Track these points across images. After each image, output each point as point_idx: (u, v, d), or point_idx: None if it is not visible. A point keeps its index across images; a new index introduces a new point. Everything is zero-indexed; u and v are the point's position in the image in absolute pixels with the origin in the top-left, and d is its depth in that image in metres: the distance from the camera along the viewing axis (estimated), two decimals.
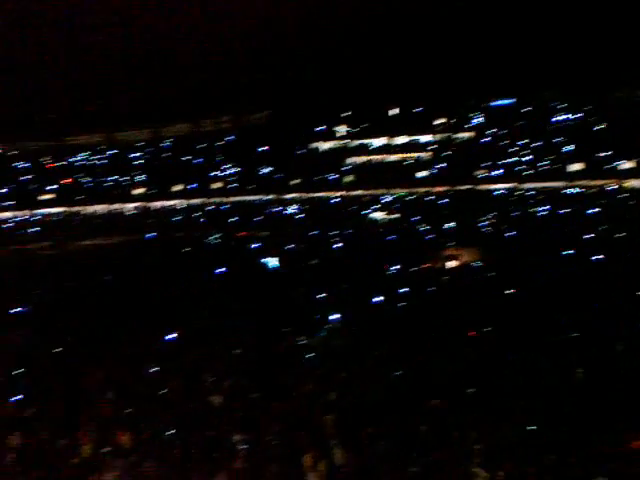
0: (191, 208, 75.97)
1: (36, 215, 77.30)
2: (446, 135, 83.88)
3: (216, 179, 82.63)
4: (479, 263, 32.47)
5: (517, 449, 13.08)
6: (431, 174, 76.23)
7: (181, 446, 13.96)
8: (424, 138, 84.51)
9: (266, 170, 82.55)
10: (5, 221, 74.27)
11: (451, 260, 33.51)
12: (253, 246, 41.50)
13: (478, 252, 33.87)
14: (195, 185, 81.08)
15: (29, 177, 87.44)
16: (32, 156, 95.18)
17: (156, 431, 14.76)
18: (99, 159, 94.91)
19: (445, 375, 17.02)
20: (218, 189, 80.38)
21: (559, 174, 70.78)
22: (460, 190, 70.57)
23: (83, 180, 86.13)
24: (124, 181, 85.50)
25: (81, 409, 15.74)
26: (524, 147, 77.71)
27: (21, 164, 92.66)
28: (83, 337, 21.79)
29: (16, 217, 76.23)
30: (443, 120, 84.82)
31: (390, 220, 54.07)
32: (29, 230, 66.06)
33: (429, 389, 16.09)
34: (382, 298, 24.26)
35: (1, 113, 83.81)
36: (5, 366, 19.24)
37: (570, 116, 79.82)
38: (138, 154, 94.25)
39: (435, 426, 14.13)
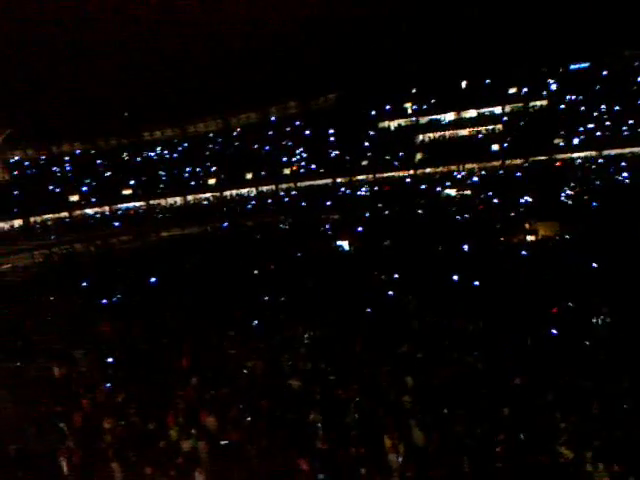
0: (264, 194, 77.26)
1: (117, 209, 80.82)
2: (519, 105, 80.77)
3: (286, 165, 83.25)
4: (560, 237, 31.26)
5: (603, 428, 12.59)
6: (505, 147, 73.51)
7: (264, 429, 14.31)
8: (496, 110, 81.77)
9: (335, 153, 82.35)
10: (89, 217, 78.09)
11: (530, 235, 32.42)
12: (326, 229, 41.63)
13: (559, 226, 32.53)
14: (266, 172, 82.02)
15: (109, 173, 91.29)
16: (111, 153, 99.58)
17: (239, 414, 15.21)
18: (173, 152, 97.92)
19: (527, 354, 16.55)
20: (289, 175, 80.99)
21: None
22: (536, 161, 67.93)
23: (160, 173, 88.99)
24: (198, 172, 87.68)
25: (168, 394, 16.37)
26: (604, 112, 73.59)
27: (101, 161, 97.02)
28: (167, 326, 22.63)
29: (99, 212, 79.97)
30: (515, 89, 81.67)
31: (464, 196, 52.77)
32: (112, 224, 69.15)
33: (510, 368, 15.70)
34: (458, 277, 23.73)
35: (81, 114, 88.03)
36: (96, 355, 20.32)
37: None
38: (210, 145, 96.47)
39: (518, 406, 13.80)
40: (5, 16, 78.65)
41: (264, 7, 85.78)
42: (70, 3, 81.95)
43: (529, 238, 32.09)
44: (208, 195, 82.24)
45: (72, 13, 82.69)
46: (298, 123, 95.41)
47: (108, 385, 17.30)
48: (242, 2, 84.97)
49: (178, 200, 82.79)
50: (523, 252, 28.22)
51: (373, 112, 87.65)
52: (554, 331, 17.34)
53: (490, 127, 79.59)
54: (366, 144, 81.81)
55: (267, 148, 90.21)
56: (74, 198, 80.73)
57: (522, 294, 20.75)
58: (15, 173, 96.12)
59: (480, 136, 78.91)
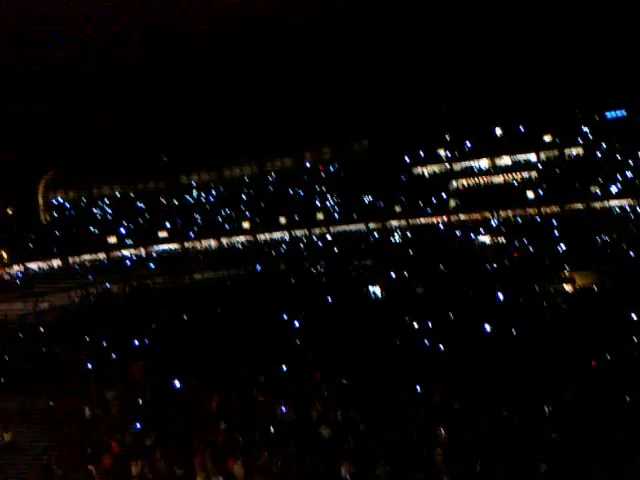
0: (296, 239, 77.80)
1: (153, 251, 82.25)
2: (554, 152, 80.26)
3: (319, 209, 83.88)
4: (597, 287, 30.52)
5: None
6: (540, 194, 72.86)
7: (292, 477, 14.06)
8: (531, 157, 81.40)
9: (369, 198, 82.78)
10: (126, 258, 79.62)
11: (566, 284, 31.73)
12: (358, 275, 41.54)
13: (596, 275, 31.80)
14: (298, 217, 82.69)
15: (147, 215, 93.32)
16: (149, 196, 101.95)
17: (267, 460, 14.98)
18: (209, 196, 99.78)
19: (565, 407, 16.00)
20: (322, 219, 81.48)
21: None
22: (572, 209, 67.01)
23: (195, 216, 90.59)
24: (233, 215, 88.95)
25: (196, 438, 16.26)
26: None
27: (139, 204, 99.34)
28: (198, 368, 22.64)
29: (135, 254, 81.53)
30: (549, 137, 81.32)
31: (498, 244, 52.24)
32: (147, 266, 70.38)
33: (548, 421, 15.18)
34: (492, 327, 23.25)
35: (121, 158, 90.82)
36: (126, 396, 20.39)
37: None
38: (244, 189, 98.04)
39: (554, 462, 13.27)
40: (59, 73, 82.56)
41: (295, 56, 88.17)
42: (120, 51, 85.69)
43: (566, 287, 31.40)
44: (242, 238, 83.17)
45: (115, 63, 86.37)
46: (332, 168, 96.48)
47: (138, 427, 17.27)
48: (272, 53, 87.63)
49: (212, 243, 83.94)
50: (560, 302, 27.62)
51: (406, 158, 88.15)
52: (593, 384, 16.78)
53: (525, 174, 79.09)
54: (399, 190, 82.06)
55: (301, 193, 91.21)
56: (112, 239, 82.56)
57: (560, 345, 20.21)
58: (56, 214, 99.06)
59: (515, 183, 78.43)
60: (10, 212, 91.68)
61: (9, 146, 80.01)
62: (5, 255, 73.50)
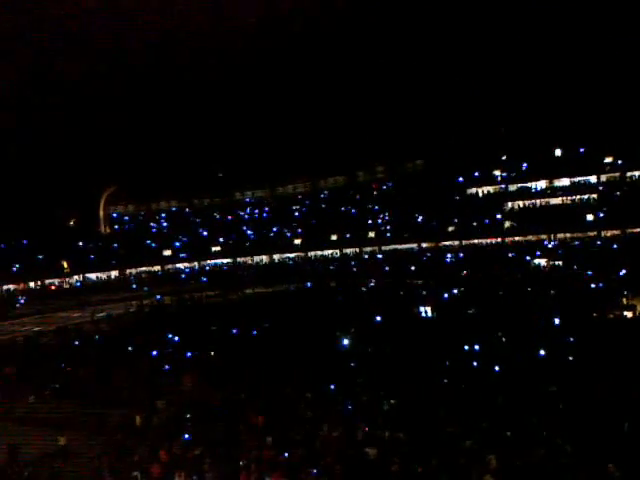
0: (347, 257, 77.79)
1: (206, 265, 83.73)
2: (616, 174, 77.74)
3: (371, 228, 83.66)
4: None
5: None
6: (600, 217, 70.58)
7: None
8: (591, 179, 79.12)
9: (422, 217, 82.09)
10: (180, 271, 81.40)
11: (626, 311, 30.51)
12: (408, 294, 41.08)
13: None
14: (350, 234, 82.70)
15: (201, 230, 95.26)
16: (204, 211, 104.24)
17: (312, 478, 14.85)
18: (262, 212, 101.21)
19: (622, 437, 15.27)
20: (373, 238, 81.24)
21: None
22: (634, 233, 64.56)
23: (248, 232, 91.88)
24: (285, 232, 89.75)
25: (242, 451, 16.30)
26: None
27: (194, 218, 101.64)
28: (246, 382, 22.77)
29: (189, 267, 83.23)
30: (611, 159, 78.87)
31: (555, 267, 50.80)
32: (200, 279, 71.76)
33: (606, 453, 14.49)
34: (547, 351, 22.54)
35: (179, 174, 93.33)
36: (176, 407, 20.68)
37: None
38: (297, 206, 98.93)
39: None
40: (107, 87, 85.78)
41: (354, 74, 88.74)
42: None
43: (626, 314, 30.19)
44: (293, 255, 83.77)
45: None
46: (385, 187, 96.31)
47: (186, 437, 17.45)
48: (330, 70, 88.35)
49: (264, 258, 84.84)
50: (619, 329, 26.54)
51: (461, 178, 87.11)
52: None
53: (585, 196, 76.90)
54: (453, 210, 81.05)
55: (353, 211, 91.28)
56: (167, 253, 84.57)
57: (618, 374, 19.38)
58: (116, 227, 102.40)
59: (573, 205, 76.32)
60: (72, 224, 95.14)
61: (75, 160, 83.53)
62: (66, 265, 76.22)
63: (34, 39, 72.26)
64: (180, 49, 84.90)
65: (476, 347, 24.36)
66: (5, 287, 70.97)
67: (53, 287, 73.04)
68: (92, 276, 79.27)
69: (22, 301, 64.47)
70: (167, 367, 26.21)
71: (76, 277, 77.65)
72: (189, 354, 27.31)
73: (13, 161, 79.61)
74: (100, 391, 23.82)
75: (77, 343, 34.71)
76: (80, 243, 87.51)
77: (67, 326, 43.21)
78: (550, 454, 14.78)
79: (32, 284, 73.25)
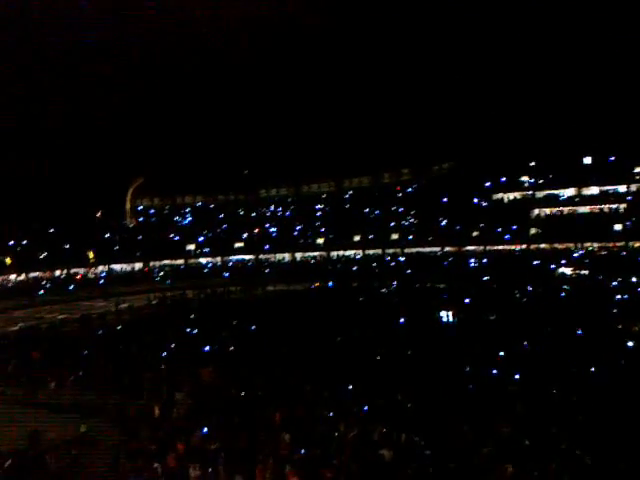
0: (370, 258, 77.61)
1: (229, 261, 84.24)
2: None
3: (394, 230, 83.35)
4: None
5: None
6: (629, 227, 69.34)
7: None
8: (620, 188, 77.82)
9: (446, 221, 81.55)
10: (202, 266, 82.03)
11: None
12: (429, 298, 40.85)
13: None
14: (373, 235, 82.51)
15: (225, 226, 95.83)
16: (229, 207, 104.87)
17: (328, 477, 14.84)
18: (286, 210, 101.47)
19: None
20: (396, 239, 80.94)
21: None
22: None
23: (271, 230, 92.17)
24: (308, 231, 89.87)
25: (259, 447, 16.36)
26: None
27: (219, 214, 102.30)
28: (265, 378, 22.86)
29: (211, 262, 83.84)
30: None
31: (580, 276, 50.09)
32: (222, 274, 72.24)
33: (627, 466, 14.24)
34: (568, 361, 22.23)
35: (205, 170, 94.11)
36: (194, 400, 20.84)
37: None
38: (321, 206, 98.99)
39: None
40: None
41: (384, 76, 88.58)
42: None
43: None
44: (315, 254, 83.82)
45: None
46: (410, 190, 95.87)
47: (205, 431, 17.55)
48: (358, 70, 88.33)
49: (286, 256, 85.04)
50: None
51: (487, 183, 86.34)
52: None
53: (613, 206, 75.66)
54: (478, 215, 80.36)
55: (377, 212, 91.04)
56: (191, 247, 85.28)
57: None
58: (141, 219, 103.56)
59: (601, 214, 75.15)
60: (99, 215, 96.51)
61: (104, 153, 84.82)
62: (92, 255, 77.31)
63: (70, 34, 73.66)
64: (210, 44, 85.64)
65: (500, 353, 24.09)
66: (32, 274, 72.26)
67: (79, 276, 74.17)
68: (117, 267, 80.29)
69: (45, 288, 65.07)
70: (186, 360, 26.42)
71: (101, 267, 78.74)
72: (208, 348, 27.48)
73: (44, 152, 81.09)
74: (120, 381, 24.12)
75: (100, 332, 35.17)
76: (106, 234, 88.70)
77: (91, 315, 43.85)
78: (568, 465, 14.58)
79: (58, 272, 74.46)
